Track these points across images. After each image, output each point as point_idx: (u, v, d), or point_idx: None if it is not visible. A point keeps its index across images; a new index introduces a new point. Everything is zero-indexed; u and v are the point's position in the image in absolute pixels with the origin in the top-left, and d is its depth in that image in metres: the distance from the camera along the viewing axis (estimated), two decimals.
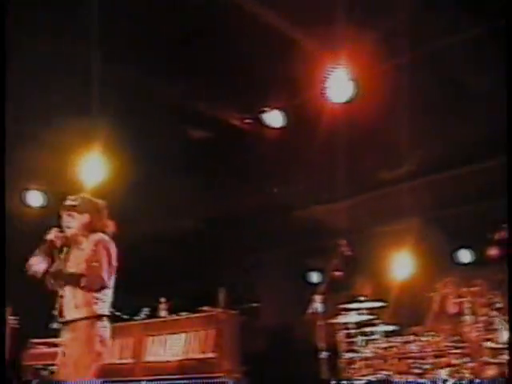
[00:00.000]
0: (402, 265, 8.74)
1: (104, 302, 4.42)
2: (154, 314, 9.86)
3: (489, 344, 5.92)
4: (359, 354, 6.84)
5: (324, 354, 6.44)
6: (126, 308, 11.36)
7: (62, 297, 4.39)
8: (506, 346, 5.73)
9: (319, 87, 6.77)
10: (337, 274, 6.91)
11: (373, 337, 7.07)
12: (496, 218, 6.26)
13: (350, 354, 6.97)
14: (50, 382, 4.28)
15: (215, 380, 7.72)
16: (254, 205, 9.91)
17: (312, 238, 9.97)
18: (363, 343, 6.98)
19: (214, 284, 8.87)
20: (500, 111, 4.80)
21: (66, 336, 4.35)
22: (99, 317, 4.36)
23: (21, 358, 9.38)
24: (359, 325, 7.25)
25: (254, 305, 10.47)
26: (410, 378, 5.98)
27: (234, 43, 6.38)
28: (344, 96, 6.78)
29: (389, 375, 6.34)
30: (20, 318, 8.85)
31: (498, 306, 6.17)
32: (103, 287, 4.36)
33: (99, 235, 4.51)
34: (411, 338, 6.47)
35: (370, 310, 7.28)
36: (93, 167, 8.43)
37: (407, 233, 8.61)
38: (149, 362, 8.79)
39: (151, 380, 8.56)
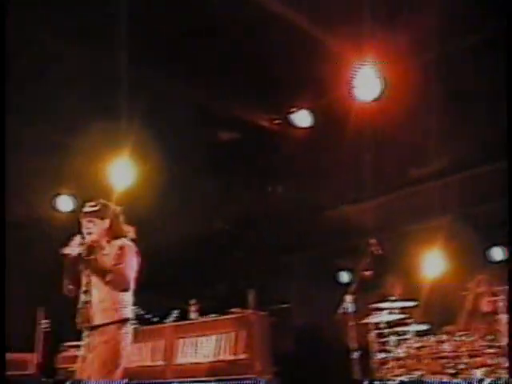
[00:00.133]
0: (433, 263, 8.64)
1: (128, 306, 4.47)
2: (184, 316, 9.90)
3: None
4: (391, 354, 6.77)
5: (355, 355, 6.39)
6: (156, 311, 11.46)
7: (87, 302, 4.41)
8: None
9: (346, 86, 6.73)
10: (367, 273, 6.86)
11: (405, 336, 6.98)
12: None
13: (382, 354, 6.89)
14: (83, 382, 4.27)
15: (247, 381, 7.71)
16: (283, 205, 9.89)
17: (342, 237, 9.91)
18: (395, 343, 6.90)
19: (243, 285, 8.86)
20: None
21: (92, 340, 4.37)
22: (126, 320, 4.41)
23: (54, 361, 9.50)
24: (391, 324, 7.17)
25: (285, 305, 10.44)
26: (445, 378, 5.89)
27: (261, 44, 6.38)
28: (371, 94, 6.73)
29: (422, 375, 6.26)
30: (52, 321, 8.94)
31: None
32: (127, 288, 4.40)
33: (122, 240, 4.54)
34: (444, 337, 6.38)
35: (402, 310, 7.20)
36: (121, 171, 8.49)
37: (438, 231, 8.50)
38: (180, 365, 8.82)
39: (183, 382, 8.58)
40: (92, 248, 4.48)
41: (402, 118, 7.18)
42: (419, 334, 6.93)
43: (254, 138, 8.63)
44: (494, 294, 6.46)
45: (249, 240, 11.09)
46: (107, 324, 4.32)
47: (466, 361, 5.93)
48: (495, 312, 6.26)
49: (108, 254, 4.48)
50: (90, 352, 4.32)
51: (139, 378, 9.05)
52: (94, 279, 4.40)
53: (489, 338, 6.07)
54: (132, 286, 4.45)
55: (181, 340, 8.98)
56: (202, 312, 9.46)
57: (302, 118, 7.79)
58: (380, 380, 6.63)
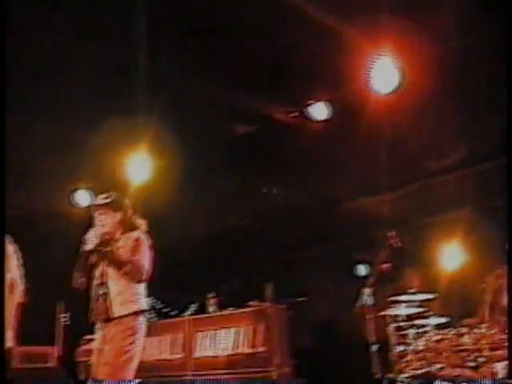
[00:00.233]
0: (452, 256, 8.58)
1: (143, 298, 4.52)
2: (202, 309, 9.93)
3: None
4: (410, 347, 6.73)
5: (374, 348, 6.37)
6: (174, 304, 11.51)
7: (104, 294, 4.42)
8: None
9: (364, 78, 6.69)
10: (386, 266, 6.83)
11: (424, 329, 6.94)
12: None
13: (401, 347, 6.86)
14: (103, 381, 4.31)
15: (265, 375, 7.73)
16: (300, 199, 9.87)
17: (360, 230, 9.86)
18: (414, 336, 6.86)
19: (261, 279, 8.85)
20: None
21: (107, 332, 4.39)
22: (143, 312, 4.46)
23: (74, 355, 9.58)
24: (410, 317, 7.13)
25: (302, 299, 10.43)
26: (466, 372, 5.85)
27: (277, 36, 6.35)
28: (389, 86, 6.68)
29: (442, 368, 6.22)
30: (72, 314, 9.01)
31: None
32: (144, 279, 4.43)
33: (137, 233, 4.57)
34: (464, 330, 6.34)
35: (421, 303, 7.16)
36: (138, 166, 8.52)
37: (457, 223, 8.44)
38: (198, 358, 8.85)
39: (201, 375, 8.62)
40: (107, 240, 4.51)
41: (419, 109, 7.13)
42: (438, 326, 6.89)
43: (270, 132, 8.60)
44: None
45: (266, 234, 11.08)
46: (125, 316, 4.35)
47: (486, 354, 5.89)
48: None
49: (123, 246, 4.50)
50: (106, 344, 4.35)
51: (158, 371, 9.11)
52: (110, 271, 4.42)
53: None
54: (147, 277, 4.48)
55: (199, 333, 9.01)
56: (220, 305, 9.48)
57: (319, 111, 7.76)
58: (399, 373, 6.61)
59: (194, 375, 8.74)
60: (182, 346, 9.18)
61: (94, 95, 6.97)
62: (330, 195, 9.75)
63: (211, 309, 9.58)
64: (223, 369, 8.33)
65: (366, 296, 6.53)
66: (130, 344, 4.30)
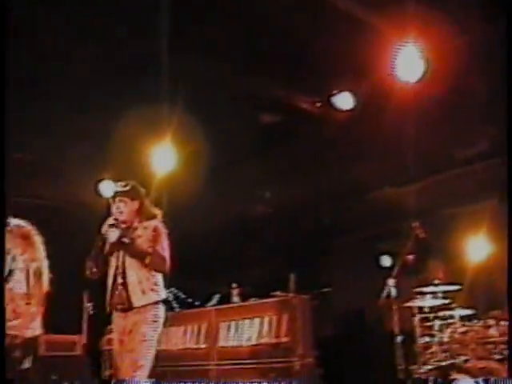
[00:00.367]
0: (477, 247, 8.48)
1: (162, 287, 4.54)
2: (226, 299, 9.96)
3: None
4: (435, 339, 6.68)
5: (399, 339, 6.34)
6: (198, 295, 11.56)
7: (124, 284, 4.43)
8: None
9: (389, 66, 6.62)
10: (411, 257, 6.78)
11: (449, 321, 6.88)
12: None
13: (426, 339, 6.82)
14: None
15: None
16: (325, 189, 9.83)
17: (385, 220, 9.81)
18: (439, 327, 6.81)
19: (285, 269, 8.84)
20: None
21: (127, 322, 4.41)
22: (162, 301, 4.50)
23: (99, 343, 9.69)
24: (435, 309, 7.08)
25: (327, 289, 10.42)
26: (492, 364, 5.78)
27: (302, 25, 6.31)
28: (414, 75, 6.60)
29: (467, 360, 6.17)
30: (97, 304, 9.09)
31: None
32: (166, 269, 4.44)
33: (155, 222, 4.58)
34: (491, 322, 6.27)
35: (446, 294, 7.09)
36: (163, 156, 8.55)
37: (484, 213, 8.34)
38: (222, 347, 8.89)
39: (225, 365, 8.66)
40: (126, 230, 4.51)
41: (445, 99, 7.04)
42: (464, 318, 6.83)
43: (295, 122, 8.57)
44: None
45: (291, 224, 11.07)
46: (146, 305, 4.37)
47: None
48: None
49: (142, 235, 4.51)
50: (127, 334, 4.37)
51: (182, 360, 9.19)
52: (129, 261, 4.43)
53: None
54: (168, 266, 4.50)
55: (223, 323, 9.04)
56: (244, 296, 9.50)
57: (344, 101, 7.70)
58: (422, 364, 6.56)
59: (217, 365, 8.79)
60: (206, 335, 9.23)
61: (119, 85, 6.99)
62: (355, 185, 9.70)
63: (235, 299, 9.61)
64: (247, 359, 8.36)
65: (391, 287, 6.48)
66: (152, 332, 4.33)
